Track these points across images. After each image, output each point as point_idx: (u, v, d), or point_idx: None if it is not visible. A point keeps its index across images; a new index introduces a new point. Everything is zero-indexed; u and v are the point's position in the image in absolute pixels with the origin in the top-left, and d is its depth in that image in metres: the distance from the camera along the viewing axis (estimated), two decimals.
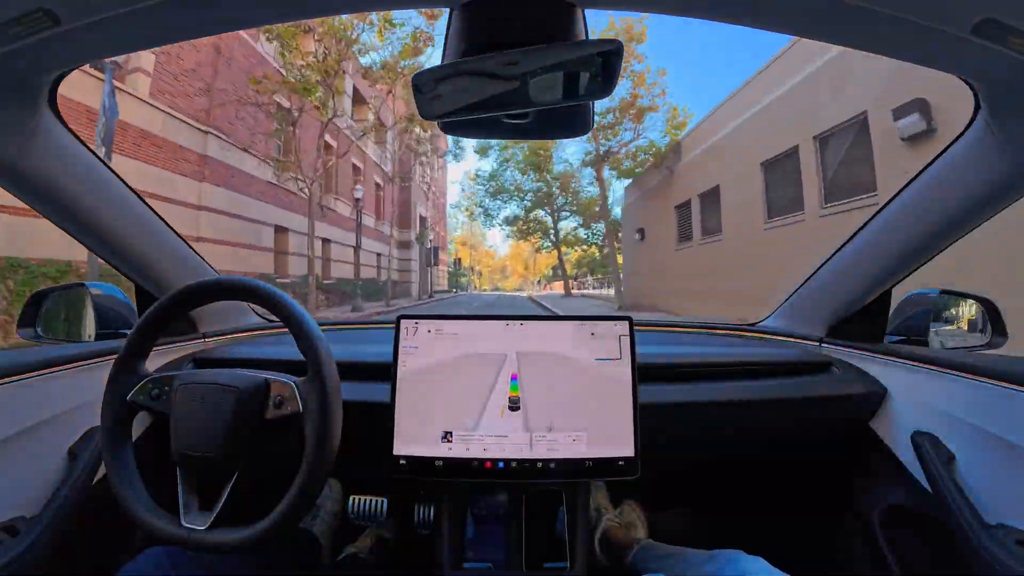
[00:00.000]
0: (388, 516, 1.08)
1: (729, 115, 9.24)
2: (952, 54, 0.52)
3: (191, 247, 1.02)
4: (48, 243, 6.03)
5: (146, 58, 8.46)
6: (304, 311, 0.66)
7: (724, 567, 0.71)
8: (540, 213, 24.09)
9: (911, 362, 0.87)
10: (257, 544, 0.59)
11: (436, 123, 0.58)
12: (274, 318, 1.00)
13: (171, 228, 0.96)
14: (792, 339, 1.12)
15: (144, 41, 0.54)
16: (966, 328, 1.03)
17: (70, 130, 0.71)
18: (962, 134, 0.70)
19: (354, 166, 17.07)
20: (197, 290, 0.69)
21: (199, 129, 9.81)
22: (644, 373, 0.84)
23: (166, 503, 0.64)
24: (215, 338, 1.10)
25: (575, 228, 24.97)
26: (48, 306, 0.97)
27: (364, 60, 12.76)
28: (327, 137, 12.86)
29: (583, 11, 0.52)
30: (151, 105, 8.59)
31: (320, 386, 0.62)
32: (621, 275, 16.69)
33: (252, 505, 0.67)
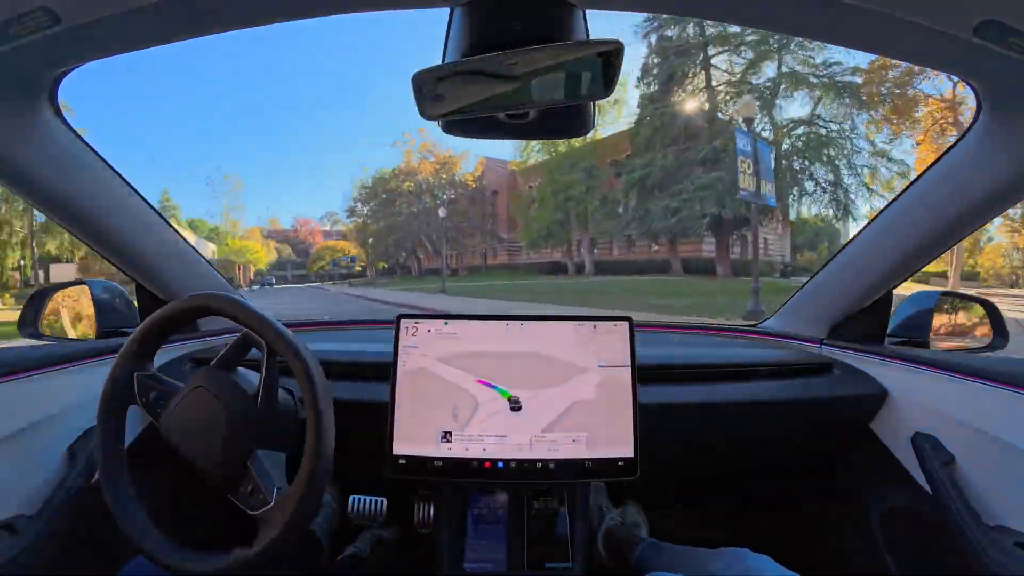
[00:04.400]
0: (388, 516, 1.08)
1: None
2: (953, 55, 0.52)
3: (192, 247, 1.02)
4: None
5: None
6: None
7: (731, 565, 0.70)
8: None
9: (912, 364, 0.87)
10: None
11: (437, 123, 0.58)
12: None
13: (172, 228, 0.96)
14: (793, 340, 1.12)
15: (144, 40, 0.54)
16: (967, 330, 1.03)
17: (71, 129, 0.71)
18: (964, 134, 0.69)
19: None
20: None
21: None
22: (644, 374, 0.83)
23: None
24: (215, 336, 1.10)
25: None
26: (49, 304, 0.97)
27: None
28: None
29: (583, 11, 0.52)
30: None
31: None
32: None
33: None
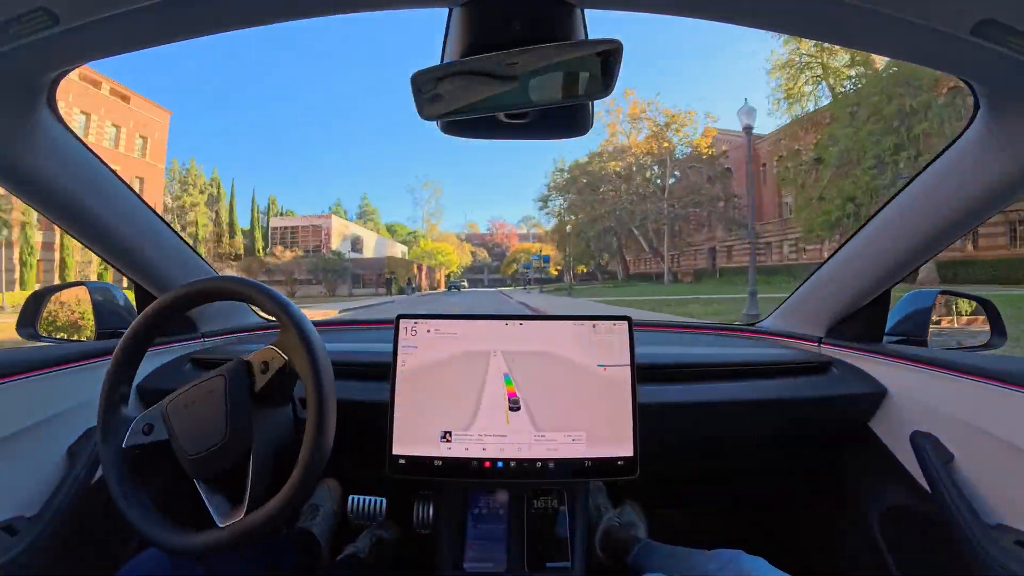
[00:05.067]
0: (387, 516, 1.08)
1: None
2: (952, 54, 0.52)
3: (190, 246, 1.02)
4: None
5: None
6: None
7: (725, 567, 0.71)
8: None
9: (910, 362, 0.87)
10: (283, 516, 0.58)
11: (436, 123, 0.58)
12: (272, 317, 1.00)
13: (170, 228, 0.96)
14: (792, 339, 1.12)
15: (144, 40, 0.54)
16: (965, 328, 1.03)
17: (69, 129, 0.71)
18: (962, 134, 0.70)
19: None
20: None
21: None
22: (643, 373, 0.84)
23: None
24: (213, 338, 1.10)
25: None
26: (48, 306, 0.97)
27: None
28: None
29: (583, 11, 0.52)
30: None
31: (298, 334, 0.61)
32: None
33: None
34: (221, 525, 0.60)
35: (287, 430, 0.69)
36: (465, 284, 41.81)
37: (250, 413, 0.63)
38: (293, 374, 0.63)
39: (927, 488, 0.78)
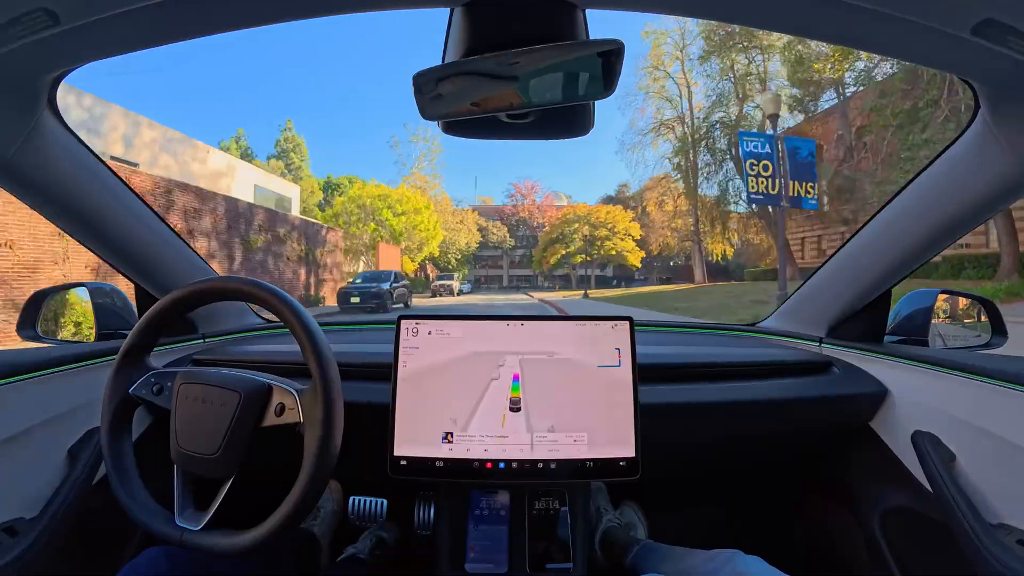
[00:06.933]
0: (388, 517, 1.08)
1: None
2: (952, 54, 0.52)
3: (191, 247, 1.02)
4: None
5: None
6: (307, 314, 0.66)
7: (723, 567, 0.71)
8: None
9: (911, 362, 0.87)
10: (252, 551, 0.58)
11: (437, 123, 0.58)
12: (274, 318, 1.00)
13: (171, 228, 0.96)
14: (792, 339, 1.12)
15: (144, 41, 0.54)
16: (965, 328, 1.03)
17: (69, 130, 0.71)
18: (962, 134, 0.70)
19: None
20: (203, 289, 0.69)
21: None
22: (645, 374, 0.84)
23: (165, 502, 0.64)
24: (214, 339, 1.10)
25: None
26: (48, 306, 0.97)
27: None
28: None
29: (583, 11, 0.52)
30: None
31: (323, 397, 0.61)
32: None
33: (247, 510, 0.67)
34: (178, 523, 0.61)
35: (279, 464, 0.70)
36: (455, 284, 22.89)
37: (248, 444, 0.63)
38: (300, 437, 0.63)
39: (928, 488, 0.78)
